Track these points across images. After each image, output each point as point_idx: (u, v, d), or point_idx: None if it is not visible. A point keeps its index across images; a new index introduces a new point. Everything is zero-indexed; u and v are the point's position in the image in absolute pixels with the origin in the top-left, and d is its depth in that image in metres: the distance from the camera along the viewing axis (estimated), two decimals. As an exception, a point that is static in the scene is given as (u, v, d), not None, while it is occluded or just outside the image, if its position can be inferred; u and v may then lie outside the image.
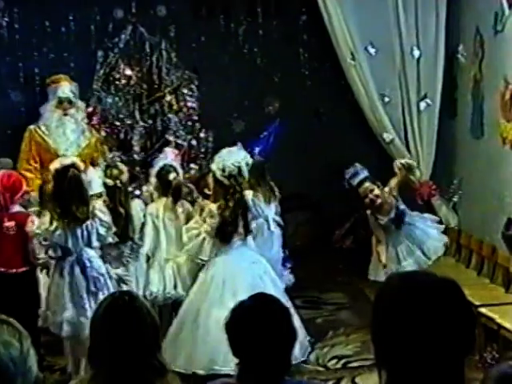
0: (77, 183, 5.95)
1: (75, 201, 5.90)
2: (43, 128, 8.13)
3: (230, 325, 3.04)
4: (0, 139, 8.93)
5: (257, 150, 8.46)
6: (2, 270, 6.02)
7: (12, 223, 6.04)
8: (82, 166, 6.21)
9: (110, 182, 6.51)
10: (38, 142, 8.09)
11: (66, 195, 5.88)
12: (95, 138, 8.34)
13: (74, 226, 5.90)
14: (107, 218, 6.06)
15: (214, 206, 6.39)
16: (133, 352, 2.88)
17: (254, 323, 2.95)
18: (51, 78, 8.35)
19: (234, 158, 6.41)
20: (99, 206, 6.11)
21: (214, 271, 6.39)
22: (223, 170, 6.29)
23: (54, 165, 6.09)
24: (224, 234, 6.36)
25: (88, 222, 5.92)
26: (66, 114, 8.13)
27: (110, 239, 6.11)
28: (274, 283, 6.43)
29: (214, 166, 6.46)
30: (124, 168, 6.81)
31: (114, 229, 6.10)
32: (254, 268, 6.44)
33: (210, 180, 6.59)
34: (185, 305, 6.48)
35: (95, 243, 6.00)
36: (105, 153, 8.13)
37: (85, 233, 5.91)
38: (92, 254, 5.99)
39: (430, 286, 1.93)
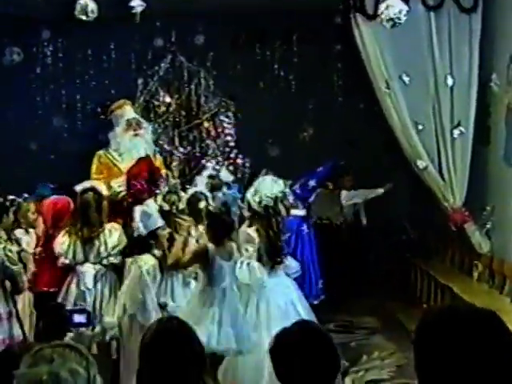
0: (84, 205, 6.20)
1: (79, 222, 6.17)
2: (114, 153, 8.07)
3: (273, 350, 3.08)
4: (43, 164, 9.12)
5: (312, 182, 8.57)
6: (45, 289, 6.14)
7: (39, 249, 6.20)
8: (103, 189, 6.43)
9: (166, 206, 6.59)
10: (108, 167, 7.89)
11: (75, 216, 6.21)
12: (160, 160, 8.35)
13: (80, 243, 6.16)
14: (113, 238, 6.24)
15: (250, 230, 6.33)
16: (179, 376, 2.90)
17: (297, 349, 3.00)
18: (113, 105, 8.42)
19: (270, 189, 6.37)
20: (110, 226, 6.30)
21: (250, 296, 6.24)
22: (260, 202, 6.32)
23: (78, 187, 6.38)
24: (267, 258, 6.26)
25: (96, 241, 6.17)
26: (136, 135, 8.11)
27: (111, 259, 6.24)
28: (307, 310, 6.39)
29: (249, 197, 6.39)
30: (184, 196, 6.88)
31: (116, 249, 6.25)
32: (288, 293, 6.43)
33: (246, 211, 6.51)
34: None
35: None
36: (167, 178, 8.10)
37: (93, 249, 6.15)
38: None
39: (471, 319, 1.91)
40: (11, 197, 7.18)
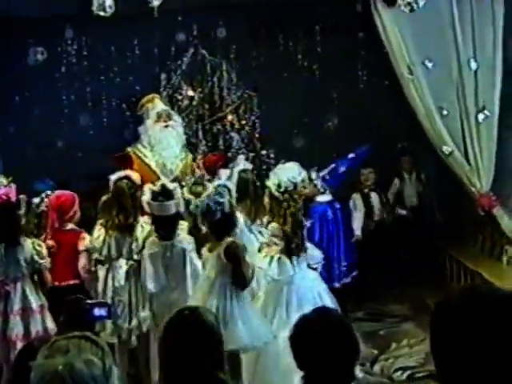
0: (119, 192, 6.23)
1: (115, 208, 6.20)
2: (142, 149, 8.09)
3: (293, 338, 3.09)
4: (71, 162, 9.20)
5: (342, 168, 8.50)
6: (56, 283, 6.20)
7: (52, 242, 6.23)
8: (137, 179, 6.45)
9: (191, 198, 6.61)
10: (138, 164, 7.94)
11: (109, 203, 6.26)
12: (191, 158, 8.34)
13: (118, 235, 6.21)
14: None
15: (276, 225, 6.22)
16: (199, 366, 2.90)
17: (317, 336, 3.00)
18: (143, 100, 8.46)
19: (289, 173, 6.34)
20: (142, 221, 6.32)
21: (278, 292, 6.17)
22: (279, 186, 6.25)
23: (113, 176, 6.43)
24: (291, 252, 6.13)
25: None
26: (166, 126, 8.11)
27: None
28: (333, 301, 6.34)
29: (269, 182, 6.33)
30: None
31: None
32: (315, 286, 6.31)
33: (267, 198, 6.39)
34: None
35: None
36: (194, 170, 8.15)
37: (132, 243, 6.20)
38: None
39: (492, 299, 1.88)
40: (43, 194, 7.32)
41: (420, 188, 9.90)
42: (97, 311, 3.63)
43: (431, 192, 9.85)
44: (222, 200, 5.71)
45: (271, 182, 6.27)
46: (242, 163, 7.42)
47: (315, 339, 3.01)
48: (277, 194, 6.18)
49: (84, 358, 2.10)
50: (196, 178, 7.57)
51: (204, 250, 5.85)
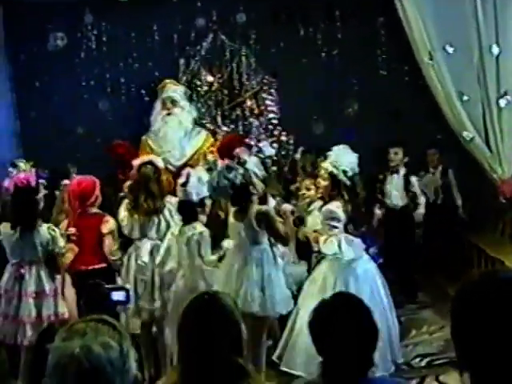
0: (145, 177, 6.29)
1: (143, 193, 6.25)
2: (152, 135, 8.08)
3: (313, 323, 3.06)
4: (91, 147, 9.22)
5: None
6: (83, 267, 6.22)
7: (74, 229, 6.25)
8: (161, 164, 6.53)
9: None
10: (147, 153, 7.97)
11: (136, 188, 6.32)
12: (205, 135, 8.22)
13: (143, 218, 6.28)
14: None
15: (334, 206, 6.08)
16: (218, 350, 2.86)
17: (337, 321, 2.98)
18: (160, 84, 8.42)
19: (352, 160, 6.20)
20: (171, 200, 6.37)
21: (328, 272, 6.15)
22: (345, 172, 6.07)
23: (136, 161, 6.51)
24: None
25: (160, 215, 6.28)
26: (169, 114, 8.07)
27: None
28: (388, 297, 6.33)
29: (332, 168, 6.13)
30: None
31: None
32: (373, 279, 6.26)
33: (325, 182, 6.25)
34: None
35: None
36: (206, 156, 8.12)
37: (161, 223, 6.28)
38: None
39: (510, 283, 1.87)
40: (65, 181, 7.35)
41: (439, 182, 9.50)
42: (115, 295, 3.63)
43: (455, 191, 9.52)
44: (231, 175, 5.81)
45: (333, 168, 6.13)
46: (268, 149, 7.40)
47: (335, 324, 2.98)
48: (344, 179, 6.10)
49: (101, 340, 2.08)
50: (210, 163, 7.55)
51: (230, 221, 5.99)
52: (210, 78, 9.24)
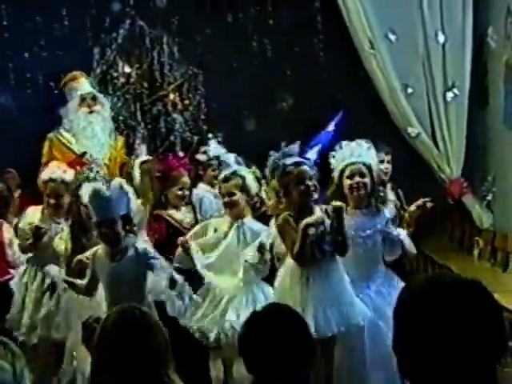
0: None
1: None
2: (65, 134, 7.93)
3: (242, 338, 3.01)
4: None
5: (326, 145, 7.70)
6: None
7: None
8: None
9: None
10: (61, 151, 7.74)
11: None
12: (122, 141, 8.18)
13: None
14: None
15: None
16: (141, 367, 2.89)
17: (266, 335, 2.91)
18: (66, 77, 8.27)
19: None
20: None
21: None
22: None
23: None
24: None
25: None
26: (91, 112, 7.97)
27: None
28: None
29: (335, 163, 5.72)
30: None
31: None
32: None
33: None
34: None
35: None
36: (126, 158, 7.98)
37: None
38: None
39: (455, 288, 1.93)
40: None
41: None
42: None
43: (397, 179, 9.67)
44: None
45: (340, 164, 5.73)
46: (214, 146, 7.32)
47: (263, 339, 2.92)
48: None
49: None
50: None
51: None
52: (127, 69, 9.16)
